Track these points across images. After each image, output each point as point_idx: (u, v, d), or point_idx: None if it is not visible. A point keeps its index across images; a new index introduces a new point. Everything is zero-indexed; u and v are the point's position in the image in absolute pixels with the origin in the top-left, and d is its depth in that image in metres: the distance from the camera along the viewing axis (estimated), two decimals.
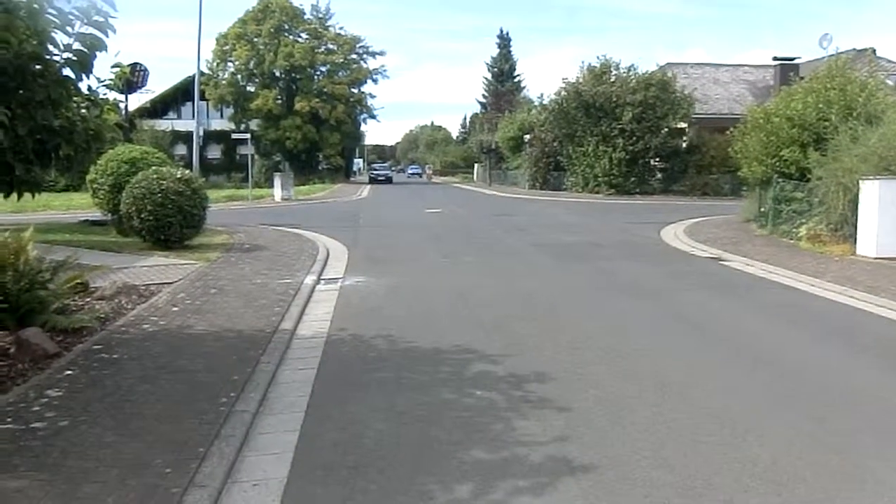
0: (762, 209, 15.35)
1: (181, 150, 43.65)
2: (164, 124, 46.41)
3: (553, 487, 3.51)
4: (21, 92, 4.39)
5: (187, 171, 12.14)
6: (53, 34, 4.53)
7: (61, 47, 4.52)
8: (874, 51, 30.16)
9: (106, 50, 4.60)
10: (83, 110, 5.11)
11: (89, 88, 5.19)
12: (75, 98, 4.95)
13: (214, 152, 50.70)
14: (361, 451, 3.97)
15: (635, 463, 3.79)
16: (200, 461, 3.68)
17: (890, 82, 18.39)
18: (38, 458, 3.66)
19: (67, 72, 4.62)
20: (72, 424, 4.10)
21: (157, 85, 61.47)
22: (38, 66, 4.49)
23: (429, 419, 4.44)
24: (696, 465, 3.78)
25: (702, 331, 6.99)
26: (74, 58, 4.56)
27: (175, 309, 7.20)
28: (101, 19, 4.47)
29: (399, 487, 3.52)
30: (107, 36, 4.52)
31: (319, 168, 53.47)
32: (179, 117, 50.69)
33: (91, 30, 4.46)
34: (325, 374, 5.39)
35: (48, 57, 4.48)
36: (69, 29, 4.53)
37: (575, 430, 4.24)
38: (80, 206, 21.10)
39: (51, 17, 4.43)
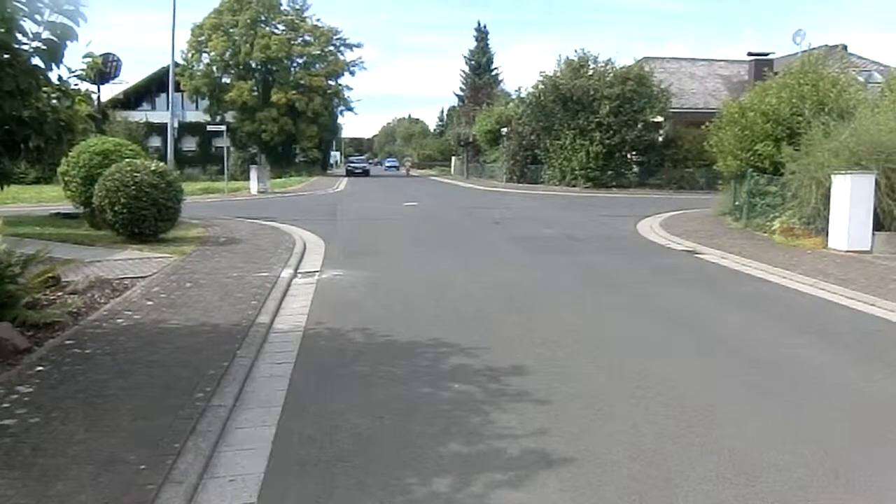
0: (737, 203, 15.58)
1: (155, 142, 43.00)
2: (138, 116, 45.62)
3: (531, 480, 3.53)
4: None
5: (162, 164, 11.94)
6: (22, 22, 4.42)
7: (30, 36, 4.41)
8: (845, 47, 30.83)
9: (77, 39, 4.50)
10: (54, 101, 5.00)
11: (60, 79, 5.09)
12: (45, 88, 4.85)
13: (189, 144, 49.99)
14: (339, 445, 3.96)
15: (614, 456, 3.82)
16: (176, 457, 3.64)
17: (861, 78, 18.76)
18: (9, 455, 3.59)
19: (37, 61, 4.52)
20: (43, 421, 4.02)
21: (131, 76, 60.36)
22: (6, 56, 4.38)
23: (406, 413, 4.44)
24: (674, 457, 3.83)
25: (678, 323, 7.08)
26: (44, 47, 4.46)
27: (149, 303, 7.10)
28: (72, 8, 4.37)
29: (377, 482, 3.51)
30: (77, 25, 4.42)
31: (296, 161, 53.06)
32: (154, 109, 49.86)
33: (61, 19, 4.36)
34: (303, 369, 5.36)
35: (16, 46, 4.37)
36: (38, 17, 4.42)
37: (553, 424, 4.27)
38: (50, 198, 20.70)
39: (19, 5, 4.32)
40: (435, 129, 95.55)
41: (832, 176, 11.40)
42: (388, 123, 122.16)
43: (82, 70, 5.33)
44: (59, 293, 7.22)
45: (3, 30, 4.36)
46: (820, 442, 4.05)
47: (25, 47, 4.52)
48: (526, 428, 4.19)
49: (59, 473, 3.42)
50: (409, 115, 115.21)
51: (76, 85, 5.28)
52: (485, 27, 67.52)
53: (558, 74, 31.97)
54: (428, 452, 3.85)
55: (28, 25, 4.44)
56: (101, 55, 5.88)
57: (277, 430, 4.17)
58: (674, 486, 3.50)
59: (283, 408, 4.54)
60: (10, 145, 4.85)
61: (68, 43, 4.49)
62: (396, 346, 5.96)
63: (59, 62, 4.54)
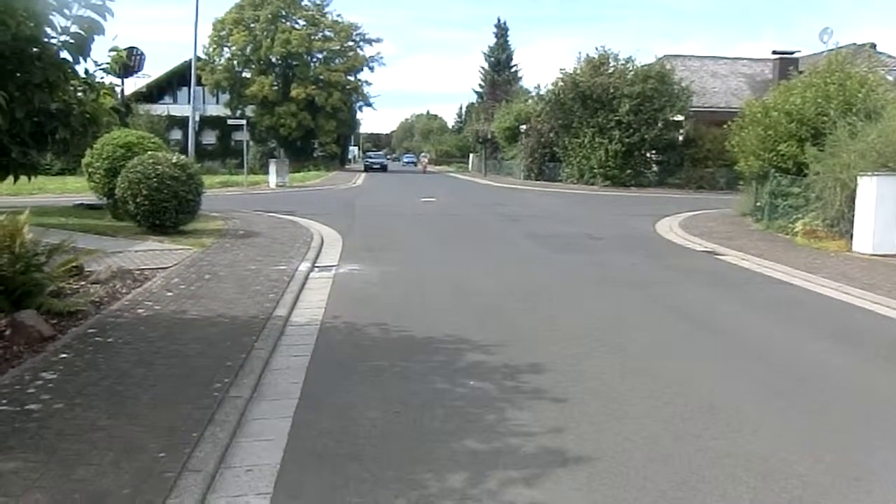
0: (758, 203, 15.39)
1: (176, 135, 43.41)
2: (160, 109, 46.08)
3: (546, 478, 3.53)
4: (18, 75, 4.35)
5: (183, 157, 12.08)
6: (51, 17, 4.49)
7: (59, 30, 4.48)
8: (874, 46, 30.24)
9: (104, 33, 4.56)
10: (80, 94, 5.07)
11: (86, 72, 5.16)
12: (72, 81, 4.92)
13: (209, 138, 50.43)
14: (354, 439, 3.99)
15: (630, 456, 3.81)
16: (194, 446, 3.69)
17: (890, 77, 18.39)
18: (34, 440, 3.67)
19: (65, 55, 4.58)
20: (67, 407, 4.10)
21: (154, 69, 61.16)
22: (35, 49, 4.45)
23: (422, 408, 4.45)
24: (690, 458, 3.81)
25: (697, 325, 7.02)
26: (72, 41, 4.53)
27: (169, 294, 7.19)
28: (100, 2, 4.43)
29: (392, 475, 3.54)
30: (105, 20, 4.48)
31: (315, 155, 53.32)
32: (175, 102, 50.32)
33: (89, 13, 4.41)
34: (319, 362, 5.40)
35: (46, 40, 4.44)
36: (67, 12, 4.49)
37: (569, 422, 4.26)
38: (74, 189, 21.00)
39: (49, 0, 4.39)
40: (453, 126, 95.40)
41: (858, 177, 11.21)
42: (407, 119, 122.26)
43: (108, 63, 5.41)
44: (82, 282, 7.34)
45: (32, 24, 4.43)
46: (841, 448, 4.00)
47: (54, 41, 4.59)
48: (542, 426, 4.19)
49: (80, 459, 3.48)
50: (428, 112, 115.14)
51: (101, 78, 5.37)
52: (504, 23, 67.45)
53: (578, 72, 31.82)
54: (443, 448, 3.87)
55: (57, 20, 4.50)
56: (125, 49, 5.94)
57: (293, 422, 4.21)
58: (691, 487, 3.48)
59: (300, 400, 4.58)
60: (38, 137, 4.93)
61: (95, 37, 4.55)
62: (413, 342, 5.98)
63: (86, 55, 4.60)
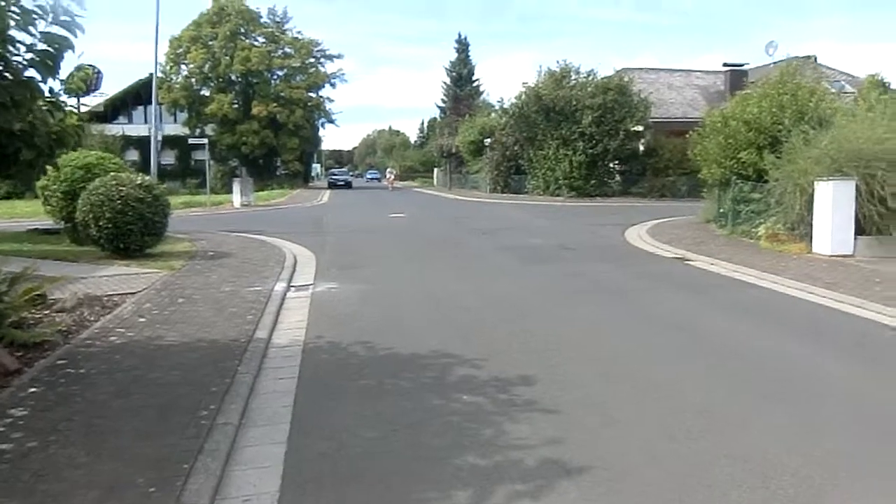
0: (721, 210, 15.72)
1: (132, 155, 42.47)
2: (115, 129, 45.00)
3: (551, 490, 3.48)
4: None
5: (147, 178, 11.74)
6: (14, 33, 4.31)
7: (25, 47, 4.30)
8: (815, 58, 31.56)
9: (73, 50, 4.40)
10: (46, 113, 4.88)
11: (51, 91, 4.97)
12: (38, 101, 4.72)
13: (168, 158, 49.28)
14: (352, 461, 3.88)
15: (629, 462, 3.80)
16: (186, 478, 3.53)
17: (832, 88, 19.17)
18: (8, 482, 3.45)
19: (31, 73, 4.40)
20: (41, 445, 3.88)
21: (107, 88, 59.62)
22: None
23: (418, 426, 4.36)
24: (686, 461, 3.82)
25: (674, 329, 7.08)
26: (39, 59, 4.35)
27: (142, 320, 6.94)
28: (69, 19, 4.27)
29: (395, 497, 3.44)
30: (75, 36, 4.32)
31: (277, 173, 52.74)
32: (130, 122, 49.32)
33: (58, 29, 4.25)
34: (306, 384, 5.26)
35: (11, 56, 4.25)
36: (32, 29, 4.31)
37: (565, 432, 4.22)
38: (24, 213, 20.33)
39: (12, 16, 4.21)
40: (416, 141, 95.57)
41: (815, 182, 11.56)
42: (369, 135, 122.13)
43: (73, 83, 5.22)
44: (46, 311, 7.03)
45: None
46: (831, 445, 4.05)
47: (17, 59, 4.40)
48: (539, 437, 4.14)
49: (61, 500, 3.30)
50: (390, 127, 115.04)
51: (63, 98, 5.18)
52: (465, 39, 68.10)
53: (540, 85, 32.20)
54: (444, 465, 3.78)
55: (21, 37, 4.32)
56: (88, 66, 5.75)
57: (287, 447, 4.08)
58: (690, 490, 3.48)
59: (291, 424, 4.44)
60: (1, 158, 4.71)
61: (65, 55, 4.38)
62: (399, 359, 5.87)
63: (56, 74, 4.43)
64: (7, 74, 4.31)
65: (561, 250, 13.44)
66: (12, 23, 4.19)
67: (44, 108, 4.98)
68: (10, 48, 4.32)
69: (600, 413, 4.57)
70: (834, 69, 33.19)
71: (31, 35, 4.36)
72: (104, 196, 10.65)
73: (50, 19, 4.26)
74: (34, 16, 4.31)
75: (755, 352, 6.14)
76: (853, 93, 22.06)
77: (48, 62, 4.31)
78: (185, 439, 3.99)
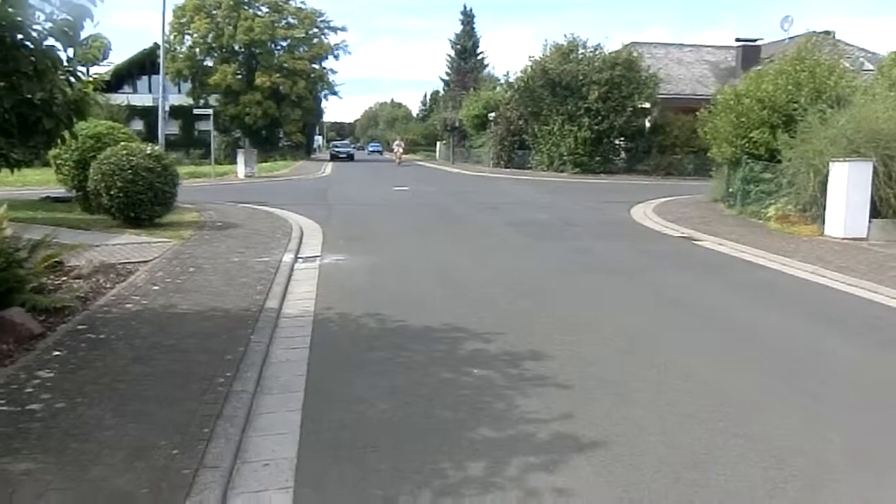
0: (731, 189, 15.69)
1: (137, 125, 42.17)
2: (120, 98, 44.73)
3: (565, 464, 3.56)
4: (5, 63, 4.17)
5: (157, 148, 11.75)
6: (35, 2, 4.32)
7: (45, 16, 4.31)
8: (834, 34, 31.04)
9: (93, 18, 4.41)
10: (66, 82, 4.89)
11: (69, 60, 4.99)
12: (58, 70, 4.74)
13: (172, 128, 48.89)
14: (368, 430, 3.97)
15: (642, 439, 3.88)
16: (207, 442, 3.63)
17: (850, 66, 18.88)
18: (40, 440, 3.56)
19: (51, 42, 4.41)
20: (69, 406, 3.99)
21: (112, 58, 59.05)
22: (19, 36, 4.27)
23: (431, 398, 4.45)
24: (700, 440, 3.89)
25: (684, 309, 7.15)
26: (58, 27, 4.36)
27: (156, 288, 7.03)
28: None
29: (412, 466, 3.53)
30: (94, 5, 4.33)
31: (280, 145, 52.47)
32: (135, 91, 48.95)
33: None
34: (319, 354, 5.35)
35: (32, 25, 4.26)
36: None
37: (578, 408, 4.31)
38: (36, 182, 20.29)
39: None
40: (418, 114, 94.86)
41: (830, 163, 11.47)
42: (371, 107, 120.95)
43: (90, 52, 5.23)
44: (64, 278, 7.12)
45: (13, 10, 4.25)
46: (844, 427, 4.13)
47: (37, 28, 4.42)
48: (551, 412, 4.23)
49: (93, 458, 3.40)
50: (392, 100, 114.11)
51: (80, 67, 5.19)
52: (471, 10, 67.10)
53: (547, 59, 31.88)
54: (458, 437, 3.87)
55: (42, 5, 4.33)
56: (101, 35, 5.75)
57: (304, 415, 4.17)
58: (704, 468, 3.56)
59: (306, 393, 4.53)
60: (23, 128, 4.74)
61: (84, 24, 4.39)
62: (410, 331, 5.96)
63: (75, 43, 4.44)
64: (28, 43, 4.33)
65: (568, 227, 13.47)
66: None
67: (62, 77, 5.01)
68: (31, 17, 4.34)
69: (611, 390, 4.64)
70: (852, 45, 32.54)
71: (51, 4, 4.37)
72: (115, 165, 10.69)
73: None
74: None
75: (767, 333, 6.22)
76: (872, 70, 21.66)
77: (68, 31, 4.33)
78: (204, 405, 4.09)
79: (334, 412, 4.22)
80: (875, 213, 11.28)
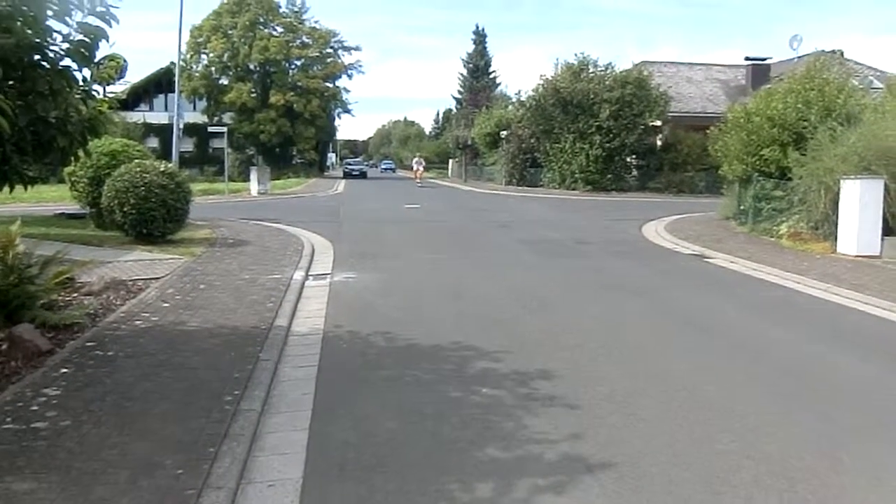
0: (742, 207, 15.60)
1: (153, 142, 42.85)
2: (136, 116, 45.43)
3: (574, 486, 3.51)
4: (22, 83, 4.24)
5: (170, 165, 11.89)
6: (52, 24, 4.39)
7: (61, 37, 4.38)
8: (842, 53, 31.00)
9: (108, 39, 4.47)
10: (80, 102, 4.96)
11: (84, 80, 5.06)
12: (74, 90, 4.81)
13: (187, 145, 49.54)
14: (374, 450, 3.94)
15: (651, 460, 3.81)
16: (212, 462, 3.61)
17: (857, 83, 18.81)
18: (44, 459, 3.56)
19: (67, 62, 4.48)
20: (74, 424, 3.99)
21: (129, 76, 60.09)
22: (36, 57, 4.34)
23: (439, 417, 4.41)
24: (710, 461, 3.82)
25: (696, 328, 7.07)
26: (74, 48, 4.43)
27: (166, 305, 7.05)
28: (104, 9, 4.34)
29: (418, 487, 3.49)
30: (109, 26, 4.39)
31: (293, 162, 53.00)
32: (151, 109, 49.73)
33: (93, 19, 4.32)
34: (327, 372, 5.33)
35: (49, 46, 4.33)
36: (68, 19, 4.39)
37: (587, 429, 4.25)
38: (50, 198, 20.59)
39: (50, 6, 4.29)
40: (431, 132, 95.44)
41: (841, 180, 11.41)
42: (384, 125, 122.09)
43: (105, 72, 5.30)
44: (75, 294, 7.17)
45: (32, 31, 4.32)
46: (856, 448, 4.04)
47: (54, 48, 4.49)
48: (560, 433, 4.17)
49: (96, 478, 3.39)
50: (405, 118, 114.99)
51: (96, 87, 5.26)
52: (483, 30, 67.56)
53: (558, 78, 32.03)
54: (466, 457, 3.83)
55: (58, 27, 4.40)
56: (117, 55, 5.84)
57: (310, 434, 4.15)
58: (716, 492, 3.49)
59: (313, 412, 4.51)
60: (37, 146, 4.80)
61: (100, 44, 4.46)
62: (419, 350, 5.93)
63: (91, 63, 4.51)
64: (45, 64, 4.39)
65: (580, 245, 13.42)
66: (50, 13, 4.28)
67: (77, 96, 5.08)
68: (48, 38, 4.41)
69: (621, 410, 4.58)
70: (861, 63, 32.55)
71: (68, 25, 4.44)
72: (129, 182, 10.82)
73: (86, 10, 4.33)
74: (71, 6, 4.39)
75: (780, 352, 6.12)
76: (881, 88, 21.61)
77: (84, 52, 4.38)
78: (211, 423, 4.08)
79: (341, 431, 4.19)
80: (887, 230, 11.18)
